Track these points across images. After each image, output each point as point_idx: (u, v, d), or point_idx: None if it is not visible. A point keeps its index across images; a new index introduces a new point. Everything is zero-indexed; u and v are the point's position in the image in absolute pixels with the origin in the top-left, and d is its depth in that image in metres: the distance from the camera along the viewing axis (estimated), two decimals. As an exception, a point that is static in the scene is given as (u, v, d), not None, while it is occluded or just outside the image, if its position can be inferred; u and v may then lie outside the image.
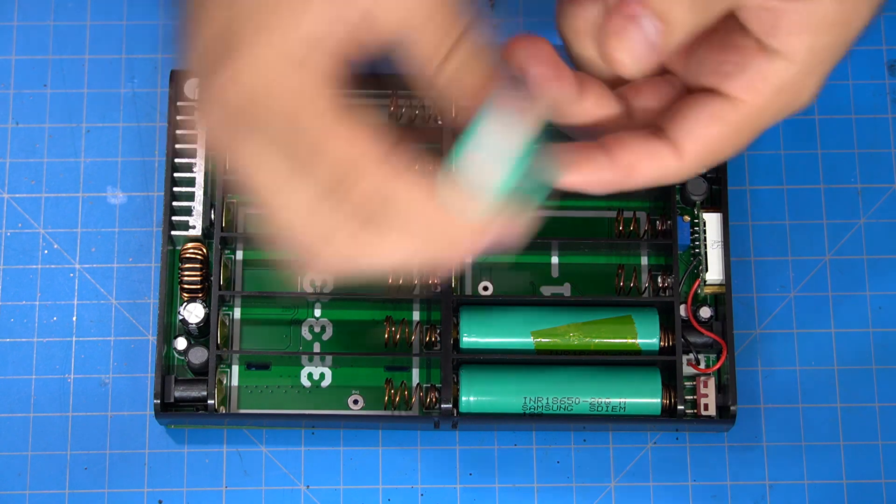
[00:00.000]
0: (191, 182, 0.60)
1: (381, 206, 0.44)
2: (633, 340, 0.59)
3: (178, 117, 0.60)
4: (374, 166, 0.44)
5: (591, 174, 0.48)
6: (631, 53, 0.46)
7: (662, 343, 0.59)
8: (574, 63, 0.50)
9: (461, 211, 0.45)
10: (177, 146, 0.60)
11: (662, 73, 0.51)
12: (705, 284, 0.60)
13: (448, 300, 0.59)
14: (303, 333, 0.61)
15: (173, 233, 0.60)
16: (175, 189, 0.60)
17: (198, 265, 0.59)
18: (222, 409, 0.59)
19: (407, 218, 0.45)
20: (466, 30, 0.45)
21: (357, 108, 0.45)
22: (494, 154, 0.43)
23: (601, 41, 0.47)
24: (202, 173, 0.60)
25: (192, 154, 0.60)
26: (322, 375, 0.60)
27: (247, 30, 0.44)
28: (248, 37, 0.44)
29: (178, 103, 0.60)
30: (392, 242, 0.47)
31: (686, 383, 0.59)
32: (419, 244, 0.47)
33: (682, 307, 0.60)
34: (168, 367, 0.59)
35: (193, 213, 0.59)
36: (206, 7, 0.45)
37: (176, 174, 0.60)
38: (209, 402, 0.58)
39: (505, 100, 0.44)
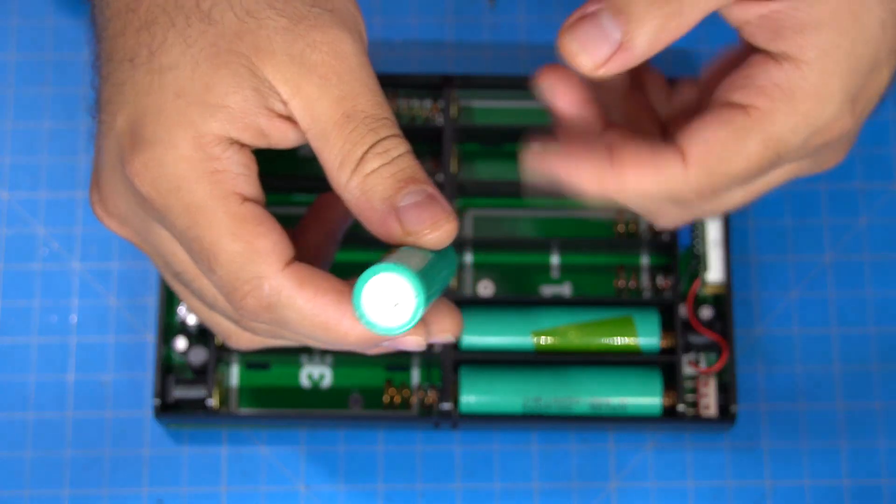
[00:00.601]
0: (191, 182, 0.60)
1: (270, 319, 0.44)
2: (634, 341, 0.59)
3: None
4: (265, 281, 0.43)
5: (586, 169, 0.45)
6: (586, 50, 0.44)
7: (663, 343, 0.59)
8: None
9: (354, 332, 0.44)
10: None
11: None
12: (706, 284, 0.60)
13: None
14: (303, 333, 0.61)
15: (173, 233, 0.59)
16: (175, 189, 0.60)
17: (198, 265, 0.59)
18: (223, 410, 0.59)
19: (297, 330, 0.44)
20: (382, 140, 0.43)
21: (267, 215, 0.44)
22: (390, 303, 0.42)
23: (558, 36, 0.44)
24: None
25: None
26: (322, 375, 0.60)
27: (160, 123, 0.43)
28: (162, 131, 0.43)
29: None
30: (288, 341, 0.48)
31: (686, 383, 0.59)
32: (313, 343, 0.47)
33: (682, 307, 0.60)
34: (168, 367, 0.59)
35: (193, 212, 0.59)
36: (123, 92, 0.44)
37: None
38: (209, 402, 0.58)
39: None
